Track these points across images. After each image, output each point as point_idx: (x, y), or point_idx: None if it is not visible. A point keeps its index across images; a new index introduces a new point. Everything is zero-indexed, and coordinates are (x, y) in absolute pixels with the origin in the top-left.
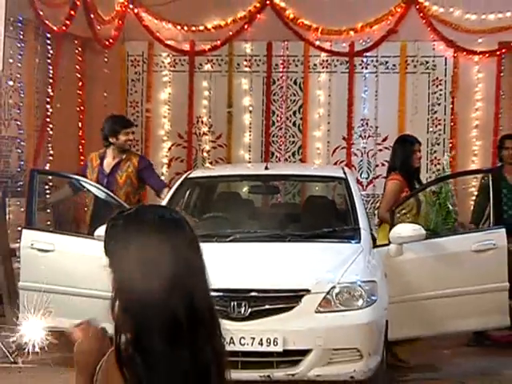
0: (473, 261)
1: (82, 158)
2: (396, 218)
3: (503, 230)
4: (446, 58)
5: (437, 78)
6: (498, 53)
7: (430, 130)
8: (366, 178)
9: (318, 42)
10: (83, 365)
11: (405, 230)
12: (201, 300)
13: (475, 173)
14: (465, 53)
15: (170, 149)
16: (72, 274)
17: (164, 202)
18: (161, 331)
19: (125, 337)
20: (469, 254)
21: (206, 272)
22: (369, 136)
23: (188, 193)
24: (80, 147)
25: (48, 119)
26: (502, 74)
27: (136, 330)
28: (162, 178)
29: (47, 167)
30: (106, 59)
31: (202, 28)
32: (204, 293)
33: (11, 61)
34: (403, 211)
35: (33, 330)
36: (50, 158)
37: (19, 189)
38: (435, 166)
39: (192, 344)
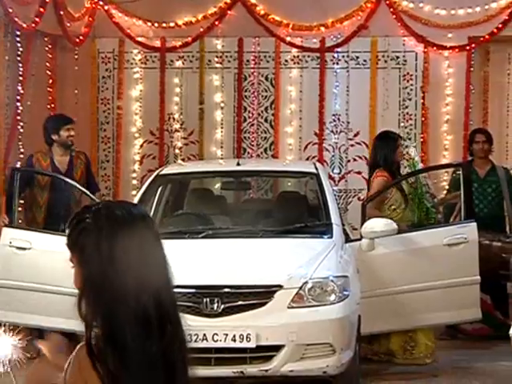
0: (444, 255)
1: None
2: (386, 214)
3: (474, 224)
4: (416, 53)
5: (407, 73)
6: (467, 48)
7: (402, 124)
8: (338, 174)
9: (288, 38)
10: None
11: (377, 224)
12: (166, 295)
13: (446, 167)
14: (435, 48)
15: (141, 146)
16: (48, 271)
17: (136, 199)
18: (132, 326)
19: (94, 332)
20: (441, 247)
21: (170, 268)
22: (340, 131)
23: (160, 189)
24: None
25: (18, 117)
26: (471, 69)
27: (107, 325)
28: (134, 175)
29: (17, 165)
30: (76, 56)
31: (172, 24)
32: (168, 288)
33: None
34: (392, 207)
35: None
36: (21, 155)
37: None
38: (407, 160)
39: (161, 339)
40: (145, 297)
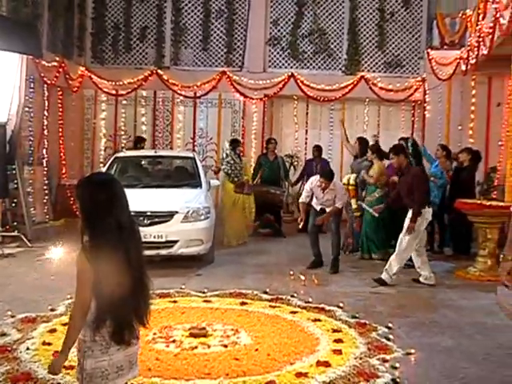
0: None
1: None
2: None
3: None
4: (239, 101)
5: (235, 111)
6: (263, 100)
7: (233, 135)
8: (203, 157)
9: (179, 91)
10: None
11: (214, 182)
12: (127, 216)
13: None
14: (248, 99)
15: (105, 142)
16: None
17: (104, 169)
18: (109, 233)
19: (85, 237)
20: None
21: (128, 202)
22: (204, 137)
23: (116, 164)
24: (61, 147)
25: (44, 127)
26: (266, 110)
27: (92, 232)
28: (102, 157)
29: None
30: (73, 98)
31: (121, 83)
32: (128, 213)
33: (27, 98)
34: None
35: None
36: (45, 148)
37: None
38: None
39: (124, 239)
40: (114, 216)
